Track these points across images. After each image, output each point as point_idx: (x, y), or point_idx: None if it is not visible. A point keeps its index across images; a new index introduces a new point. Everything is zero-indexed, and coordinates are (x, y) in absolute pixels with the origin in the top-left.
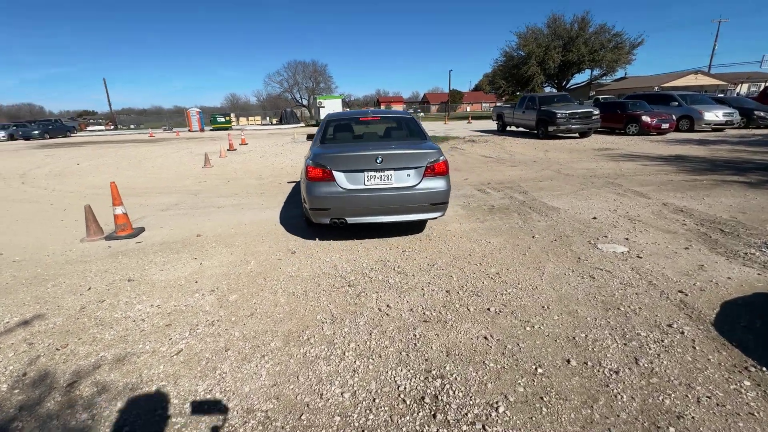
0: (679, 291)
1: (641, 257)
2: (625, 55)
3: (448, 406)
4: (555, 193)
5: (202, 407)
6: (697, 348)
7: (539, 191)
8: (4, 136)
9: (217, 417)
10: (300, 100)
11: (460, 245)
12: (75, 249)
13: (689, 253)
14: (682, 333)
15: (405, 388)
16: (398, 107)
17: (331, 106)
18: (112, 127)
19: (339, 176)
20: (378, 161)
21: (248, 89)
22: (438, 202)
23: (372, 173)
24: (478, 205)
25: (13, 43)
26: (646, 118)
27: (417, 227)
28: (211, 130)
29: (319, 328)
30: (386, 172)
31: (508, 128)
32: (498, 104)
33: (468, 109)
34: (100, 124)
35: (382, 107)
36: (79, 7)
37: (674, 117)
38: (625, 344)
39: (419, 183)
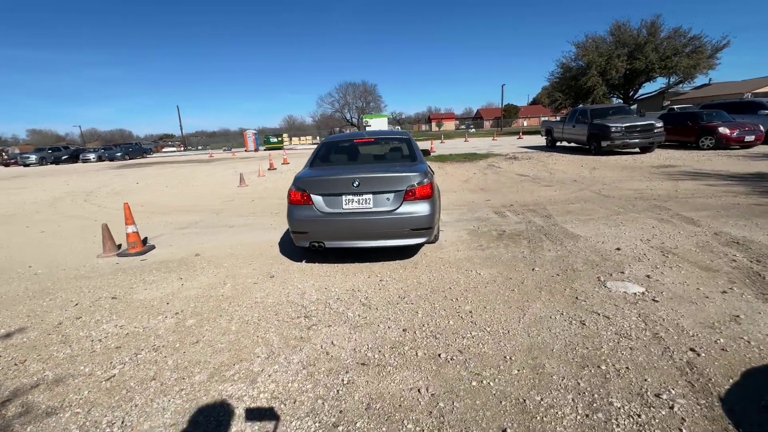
0: (691, 349)
1: (657, 301)
2: (706, 60)
3: None
4: (583, 217)
5: None
6: None
7: (565, 215)
8: (94, 158)
9: None
10: (350, 120)
11: (445, 275)
12: (88, 264)
13: (725, 298)
14: (671, 407)
15: None
16: (450, 124)
17: (377, 125)
18: (182, 148)
19: (317, 200)
20: (354, 185)
21: (305, 110)
22: (420, 228)
23: (350, 197)
24: (488, 229)
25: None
26: (723, 130)
27: (408, 252)
28: (264, 149)
29: (250, 363)
30: (364, 196)
31: (558, 144)
32: (546, 118)
33: (524, 124)
34: (172, 146)
35: (433, 124)
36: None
37: (762, 128)
38: (587, 416)
39: (399, 207)
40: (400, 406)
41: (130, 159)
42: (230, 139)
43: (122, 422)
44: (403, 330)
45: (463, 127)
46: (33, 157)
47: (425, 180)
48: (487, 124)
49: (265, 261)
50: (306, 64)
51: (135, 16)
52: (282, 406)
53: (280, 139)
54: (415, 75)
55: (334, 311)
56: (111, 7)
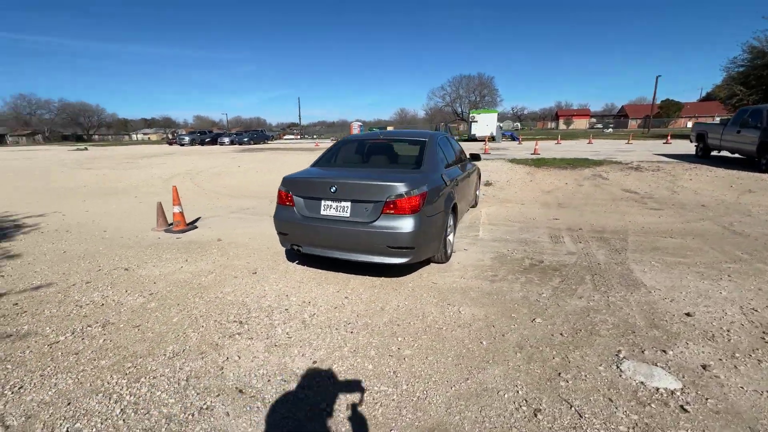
0: None
1: (687, 411)
2: None
3: None
4: (672, 259)
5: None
6: None
7: (646, 252)
8: (227, 142)
9: None
10: (461, 114)
11: (418, 306)
12: (140, 236)
13: None
14: None
15: None
16: (581, 122)
17: (484, 122)
18: (299, 137)
19: (298, 202)
20: (332, 190)
21: (418, 104)
22: (398, 246)
23: (329, 202)
24: (521, 257)
25: (253, 72)
26: None
27: (401, 270)
28: None
29: (151, 360)
30: (342, 203)
31: (713, 154)
32: (700, 120)
33: (688, 125)
34: (292, 134)
35: (561, 121)
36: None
37: None
38: None
39: (376, 220)
40: None
41: (254, 144)
42: (345, 130)
43: (20, 387)
44: (313, 362)
45: (599, 125)
46: (186, 139)
47: (414, 191)
48: (632, 123)
49: (263, 256)
50: (424, 55)
51: (273, 12)
52: (133, 414)
53: (383, 130)
54: (542, 67)
55: (269, 323)
56: (252, 11)
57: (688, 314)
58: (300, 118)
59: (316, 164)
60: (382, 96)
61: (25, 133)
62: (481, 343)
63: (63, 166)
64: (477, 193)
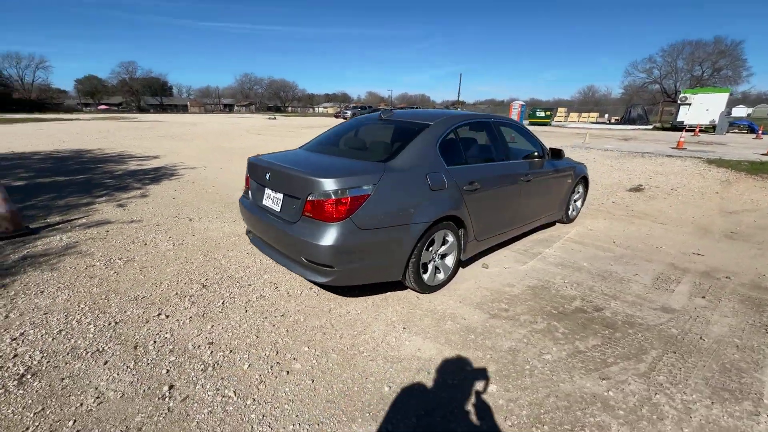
0: None
1: None
2: None
3: None
4: None
5: None
6: None
7: None
8: (350, 115)
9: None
10: (671, 93)
11: (363, 319)
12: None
13: None
14: None
15: None
16: None
17: (703, 105)
18: None
19: (252, 186)
20: (267, 177)
21: (614, 80)
22: (314, 261)
23: (269, 191)
24: (572, 295)
25: (427, 48)
26: None
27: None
28: (528, 124)
29: (116, 297)
30: (277, 194)
31: None
32: None
33: None
34: None
35: None
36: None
37: None
38: None
39: (296, 222)
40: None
41: None
42: (506, 110)
43: (41, 291)
44: (210, 343)
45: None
46: (348, 113)
47: (346, 192)
48: None
49: None
50: (628, 15)
51: None
52: (64, 331)
53: (548, 113)
54: None
55: (218, 294)
56: None
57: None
58: (459, 95)
59: (303, 145)
60: (570, 71)
61: (245, 103)
62: (387, 389)
63: (247, 132)
64: (572, 203)
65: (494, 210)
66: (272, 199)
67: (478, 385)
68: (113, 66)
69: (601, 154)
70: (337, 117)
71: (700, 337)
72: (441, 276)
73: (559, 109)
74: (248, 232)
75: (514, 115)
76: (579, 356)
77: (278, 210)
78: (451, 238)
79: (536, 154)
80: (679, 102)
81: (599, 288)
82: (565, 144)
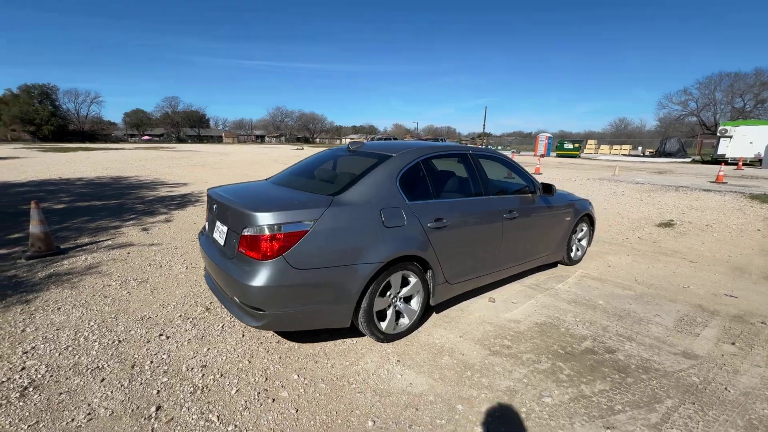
0: None
1: None
2: None
3: None
4: None
5: None
6: None
7: None
8: None
9: None
10: (713, 126)
11: (358, 349)
12: None
13: None
14: None
15: None
16: None
17: (746, 137)
18: (481, 147)
19: (209, 219)
20: (214, 209)
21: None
22: (245, 304)
23: (218, 224)
24: (583, 335)
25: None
26: None
27: None
28: (555, 156)
29: (125, 316)
30: (222, 228)
31: None
32: None
33: None
34: (475, 143)
35: None
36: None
37: None
38: None
39: (233, 258)
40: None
41: None
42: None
43: (58, 307)
44: (203, 366)
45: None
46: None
47: (282, 227)
48: None
49: None
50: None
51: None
52: (69, 347)
53: (577, 145)
54: None
55: (219, 317)
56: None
57: None
58: (484, 127)
59: (271, 178)
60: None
61: (275, 135)
62: (368, 423)
63: (275, 161)
64: (575, 243)
65: (470, 250)
66: (219, 232)
67: (467, 427)
68: (158, 100)
69: (631, 187)
70: None
71: (726, 388)
72: (405, 321)
73: (589, 141)
74: (205, 269)
75: (541, 146)
76: (583, 401)
77: (222, 244)
78: (413, 279)
79: (526, 189)
80: (718, 135)
81: (614, 328)
82: (592, 176)
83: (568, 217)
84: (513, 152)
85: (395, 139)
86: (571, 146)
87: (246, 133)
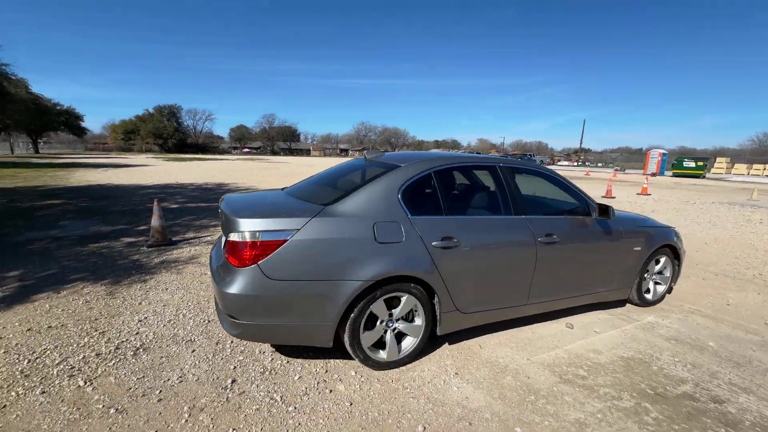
0: None
1: None
2: None
3: None
4: None
5: None
6: None
7: None
8: None
9: None
10: None
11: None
12: None
13: None
14: None
15: None
16: None
17: None
18: (575, 163)
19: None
20: (222, 221)
21: None
22: (227, 313)
23: (225, 237)
24: (682, 377)
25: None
26: None
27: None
28: (671, 175)
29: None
30: (222, 239)
31: None
32: None
33: None
34: (569, 160)
35: None
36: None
37: None
38: None
39: (220, 263)
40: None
41: None
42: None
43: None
44: (273, 351)
45: None
46: None
47: (261, 235)
48: None
49: None
50: None
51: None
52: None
53: (700, 164)
54: None
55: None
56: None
57: None
58: (581, 142)
59: (286, 188)
60: (736, 115)
61: (359, 149)
62: (419, 427)
63: None
64: (649, 279)
65: (490, 277)
66: (222, 241)
67: None
68: (258, 117)
69: None
70: None
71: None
72: (406, 350)
73: (719, 159)
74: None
75: (652, 164)
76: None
77: (221, 248)
78: (412, 304)
79: (578, 210)
80: None
81: (726, 376)
82: (719, 200)
83: (637, 246)
84: (616, 170)
85: (479, 153)
86: (692, 164)
87: (332, 147)
